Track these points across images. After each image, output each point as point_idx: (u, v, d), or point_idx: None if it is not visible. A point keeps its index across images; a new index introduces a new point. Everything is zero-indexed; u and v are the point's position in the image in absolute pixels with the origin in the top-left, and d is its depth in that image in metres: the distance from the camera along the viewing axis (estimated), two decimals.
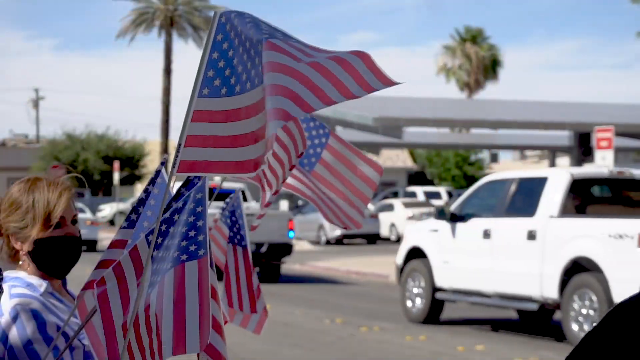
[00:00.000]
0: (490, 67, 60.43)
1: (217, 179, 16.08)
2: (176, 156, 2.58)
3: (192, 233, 2.67)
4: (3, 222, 3.19)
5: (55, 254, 3.17)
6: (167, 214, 2.70)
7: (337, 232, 36.16)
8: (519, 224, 13.31)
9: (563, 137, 38.44)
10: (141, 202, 3.03)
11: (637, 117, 37.44)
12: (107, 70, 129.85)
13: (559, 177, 13.18)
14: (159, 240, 2.69)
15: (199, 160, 2.58)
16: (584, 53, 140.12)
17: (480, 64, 59.79)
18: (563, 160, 45.72)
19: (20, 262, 3.22)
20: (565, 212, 12.93)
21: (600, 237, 12.16)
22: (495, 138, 45.05)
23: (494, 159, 66.82)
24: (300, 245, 32.35)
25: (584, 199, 13.39)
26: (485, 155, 60.98)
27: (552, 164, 42.60)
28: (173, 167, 2.59)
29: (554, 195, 12.95)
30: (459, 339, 13.40)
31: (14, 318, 3.09)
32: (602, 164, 18.35)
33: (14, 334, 3.07)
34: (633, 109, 40.13)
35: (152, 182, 3.06)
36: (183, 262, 2.66)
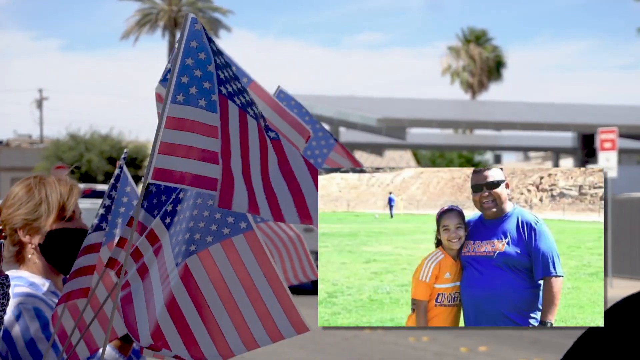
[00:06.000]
0: (494, 68, 60.37)
1: None
2: (150, 163, 2.50)
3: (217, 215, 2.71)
4: (9, 217, 3.19)
5: (66, 246, 3.17)
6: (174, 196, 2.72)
7: None
8: None
9: (567, 138, 38.39)
10: (108, 209, 3.01)
11: None
12: (112, 71, 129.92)
13: None
14: (167, 220, 2.72)
15: (175, 170, 2.49)
16: (588, 54, 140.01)
17: (484, 65, 59.73)
18: (567, 162, 45.66)
19: (29, 256, 3.22)
20: None
21: None
22: (498, 139, 45.02)
23: (497, 160, 66.79)
24: None
25: None
26: (488, 156, 60.96)
27: (556, 166, 42.55)
28: (147, 174, 2.51)
29: None
30: (462, 340, 13.39)
31: (17, 317, 3.09)
32: (606, 165, 18.32)
33: (17, 333, 3.07)
34: (637, 110, 40.09)
35: (114, 187, 3.02)
36: (227, 236, 2.69)
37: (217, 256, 2.71)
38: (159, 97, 3.09)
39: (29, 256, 3.21)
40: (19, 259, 3.23)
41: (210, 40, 2.58)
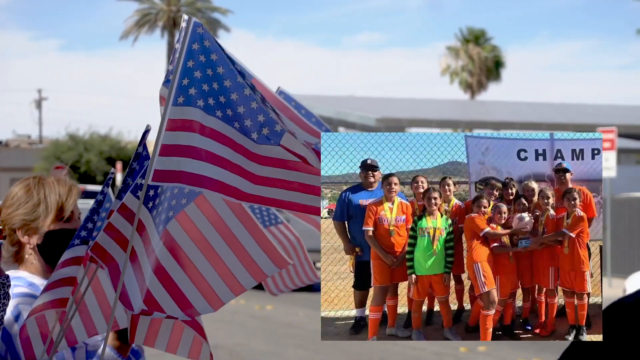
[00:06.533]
0: (493, 68, 60.37)
1: None
2: (150, 165, 2.56)
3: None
4: (8, 217, 3.18)
5: (65, 246, 3.17)
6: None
7: None
8: None
9: None
10: (91, 220, 3.03)
11: None
12: (111, 71, 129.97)
13: None
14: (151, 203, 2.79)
15: (173, 169, 2.56)
16: (587, 54, 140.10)
17: (483, 65, 59.73)
18: None
19: (27, 256, 3.21)
20: None
21: None
22: None
23: None
24: None
25: None
26: None
27: None
28: (148, 175, 2.57)
29: None
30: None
31: (16, 317, 3.08)
32: (605, 165, 18.33)
33: (16, 333, 3.07)
34: (636, 110, 40.11)
35: (100, 203, 3.03)
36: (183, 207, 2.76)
37: (193, 215, 2.77)
38: (162, 100, 3.12)
39: (27, 256, 3.21)
40: (18, 259, 3.23)
41: (210, 47, 2.62)
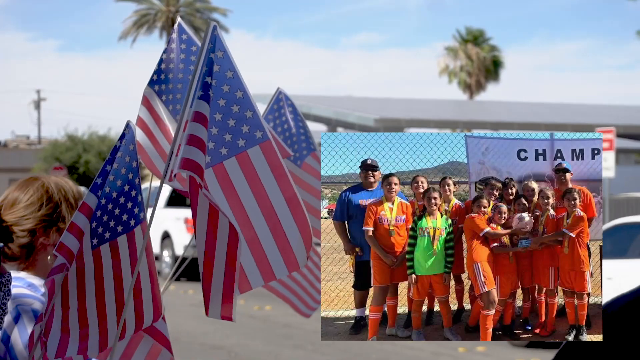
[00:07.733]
0: (491, 68, 60.38)
1: None
2: (167, 165, 2.58)
3: (126, 202, 2.71)
4: (22, 219, 3.14)
5: None
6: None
7: None
8: None
9: None
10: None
11: (639, 118, 37.46)
12: (109, 72, 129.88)
13: None
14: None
15: (197, 160, 2.59)
16: (585, 55, 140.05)
17: (482, 65, 59.73)
18: None
19: (42, 257, 3.19)
20: None
21: None
22: None
23: None
24: None
25: None
26: None
27: None
28: (174, 163, 2.58)
29: None
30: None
31: (16, 319, 3.07)
32: (604, 165, 18.34)
33: (16, 335, 3.06)
34: (634, 110, 40.13)
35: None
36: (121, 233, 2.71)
37: (105, 257, 2.74)
38: (144, 99, 3.08)
39: (42, 257, 3.18)
40: (27, 263, 3.18)
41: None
